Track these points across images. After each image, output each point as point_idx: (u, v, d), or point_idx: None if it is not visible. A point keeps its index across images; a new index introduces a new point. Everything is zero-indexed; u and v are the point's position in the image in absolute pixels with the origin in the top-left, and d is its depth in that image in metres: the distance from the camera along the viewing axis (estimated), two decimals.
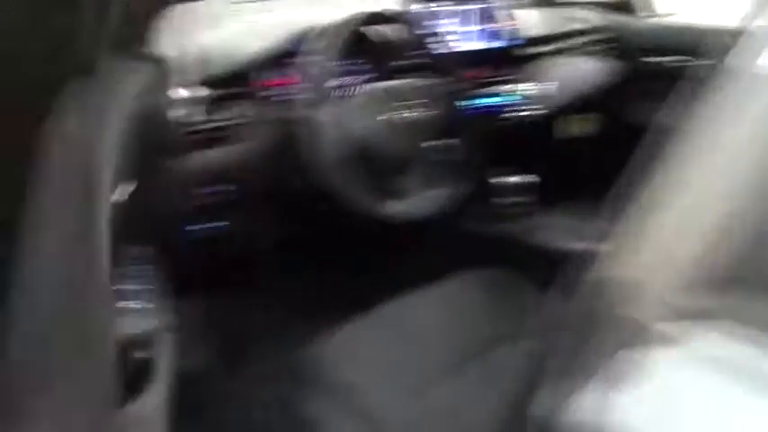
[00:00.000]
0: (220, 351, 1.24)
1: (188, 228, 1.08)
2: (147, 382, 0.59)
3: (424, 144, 1.06)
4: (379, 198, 1.00)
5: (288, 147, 1.00)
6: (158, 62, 0.95)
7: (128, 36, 0.91)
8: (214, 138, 1.03)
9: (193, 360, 1.11)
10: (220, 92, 1.04)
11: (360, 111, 1.00)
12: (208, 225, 1.09)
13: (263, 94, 1.05)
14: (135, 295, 0.69)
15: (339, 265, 1.31)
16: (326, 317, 0.94)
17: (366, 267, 1.29)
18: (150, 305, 0.71)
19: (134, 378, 0.57)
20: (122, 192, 0.66)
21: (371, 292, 0.99)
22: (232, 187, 1.07)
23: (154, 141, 0.91)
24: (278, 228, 1.24)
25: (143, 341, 0.62)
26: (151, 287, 0.73)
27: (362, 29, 1.03)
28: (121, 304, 0.61)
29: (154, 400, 0.59)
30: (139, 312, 0.68)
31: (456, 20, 1.23)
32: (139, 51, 0.92)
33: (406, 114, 1.03)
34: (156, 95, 0.90)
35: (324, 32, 0.99)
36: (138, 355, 0.60)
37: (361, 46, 1.05)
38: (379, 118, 1.01)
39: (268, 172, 1.06)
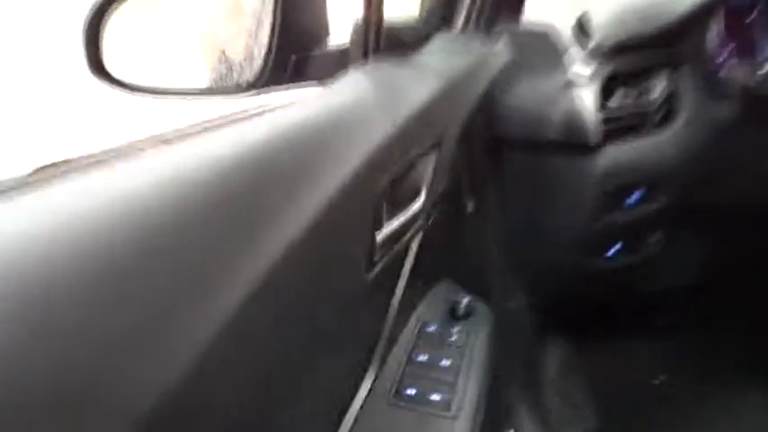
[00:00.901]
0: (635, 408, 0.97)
1: (597, 254, 0.84)
2: None
3: None
4: None
5: (748, 133, 0.70)
6: (522, 41, 0.78)
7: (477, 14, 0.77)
8: (628, 126, 0.79)
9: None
10: (636, 64, 0.79)
11: None
12: (623, 249, 0.85)
13: (700, 61, 0.76)
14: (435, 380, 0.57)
15: None
16: None
17: None
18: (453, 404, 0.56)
19: None
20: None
21: None
22: (658, 193, 0.80)
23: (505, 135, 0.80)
24: (722, 251, 0.92)
25: None
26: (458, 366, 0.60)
27: None
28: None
29: None
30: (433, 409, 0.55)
31: None
32: (492, 31, 0.76)
33: None
34: (504, 79, 0.77)
35: None
36: None
37: None
38: None
39: (709, 169, 0.77)
